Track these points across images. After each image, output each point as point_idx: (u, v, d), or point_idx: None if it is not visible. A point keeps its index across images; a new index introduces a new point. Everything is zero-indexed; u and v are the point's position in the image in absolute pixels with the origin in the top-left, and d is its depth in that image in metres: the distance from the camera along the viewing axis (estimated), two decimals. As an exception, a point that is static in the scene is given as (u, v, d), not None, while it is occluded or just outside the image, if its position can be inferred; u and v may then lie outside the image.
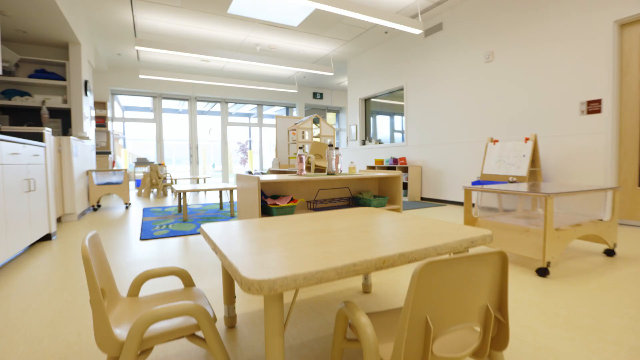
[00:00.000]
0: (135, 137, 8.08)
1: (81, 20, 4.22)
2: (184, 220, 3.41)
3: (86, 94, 4.30)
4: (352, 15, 3.68)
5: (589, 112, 3.17)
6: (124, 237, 2.76)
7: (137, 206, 4.68)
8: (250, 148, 14.93)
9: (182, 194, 3.41)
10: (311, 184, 2.29)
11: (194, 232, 2.87)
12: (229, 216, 3.67)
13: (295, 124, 4.10)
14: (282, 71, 7.32)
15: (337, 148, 2.46)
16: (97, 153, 6.20)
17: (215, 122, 8.36)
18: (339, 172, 2.53)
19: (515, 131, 3.77)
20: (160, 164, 7.19)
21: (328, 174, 2.28)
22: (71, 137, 3.50)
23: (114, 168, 6.89)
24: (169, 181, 5.96)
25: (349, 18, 4.70)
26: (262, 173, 6.55)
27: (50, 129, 2.76)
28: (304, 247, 0.90)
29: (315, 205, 2.26)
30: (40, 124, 4.06)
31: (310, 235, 1.06)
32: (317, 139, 4.12)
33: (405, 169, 4.97)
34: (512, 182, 3.28)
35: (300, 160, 2.31)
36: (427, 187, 4.94)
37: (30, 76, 3.93)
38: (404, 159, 5.02)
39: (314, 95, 8.95)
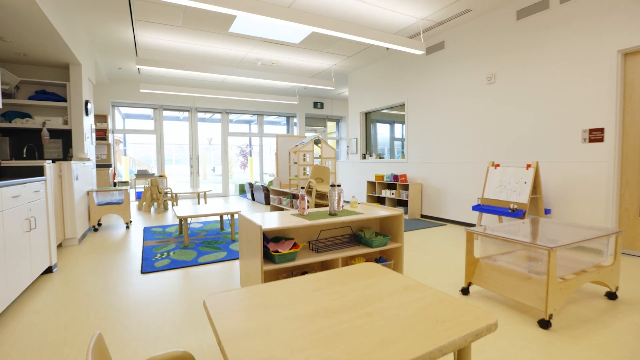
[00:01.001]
0: (135, 140, 8.09)
1: (82, 40, 4.21)
2: (185, 246, 3.41)
3: (87, 114, 4.29)
4: (355, 39, 3.67)
5: (591, 141, 3.16)
6: (125, 269, 2.76)
7: (138, 225, 4.68)
8: (250, 154, 14.89)
9: (183, 220, 3.41)
10: (313, 226, 2.28)
11: (195, 263, 2.87)
12: (230, 240, 3.67)
13: (297, 145, 4.09)
14: (283, 83, 7.30)
15: (339, 185, 2.45)
16: (98, 166, 6.19)
17: (216, 129, 8.35)
18: (341, 207, 2.53)
19: (517, 154, 3.76)
20: (160, 176, 7.19)
21: (330, 214, 2.28)
22: (72, 162, 3.50)
23: (115, 180, 6.89)
24: (169, 195, 5.94)
25: (354, 26, 4.68)
26: (264, 187, 6.55)
27: (50, 161, 2.75)
28: (304, 349, 0.90)
29: (317, 245, 2.26)
30: (40, 145, 4.06)
31: (312, 321, 1.05)
32: (318, 160, 4.12)
33: (405, 187, 4.97)
34: (513, 209, 3.27)
35: (302, 199, 2.30)
36: (427, 204, 4.93)
37: (30, 97, 3.92)
38: (404, 176, 5.02)
39: (315, 104, 8.93)
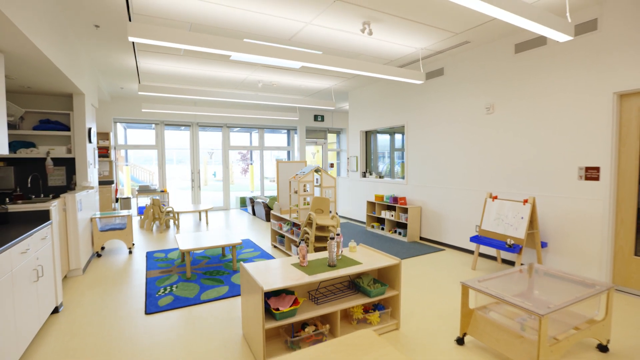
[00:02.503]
0: (136, 142, 8.15)
1: (85, 70, 4.26)
2: (188, 278, 3.48)
3: (90, 141, 4.35)
4: (355, 72, 3.72)
5: (587, 179, 3.21)
6: (129, 307, 2.82)
7: (141, 248, 4.74)
8: (251, 162, 14.90)
9: (185, 254, 3.47)
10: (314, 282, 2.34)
11: (198, 301, 2.93)
12: (231, 270, 3.73)
13: (297, 174, 4.14)
14: (283, 100, 7.35)
15: (338, 234, 2.51)
16: (100, 183, 6.25)
17: (217, 137, 8.39)
18: (340, 253, 2.59)
19: (515, 185, 3.81)
20: (162, 191, 7.25)
21: (329, 265, 2.33)
22: (76, 194, 3.56)
23: (117, 196, 6.95)
24: (171, 215, 6.01)
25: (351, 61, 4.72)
26: (265, 205, 6.60)
27: (56, 204, 2.81)
28: None
29: (317, 296, 2.32)
30: (45, 173, 4.12)
31: None
32: (318, 188, 4.17)
33: (405, 210, 5.02)
34: (510, 245, 3.33)
35: (303, 249, 2.36)
36: (426, 227, 4.99)
37: (35, 127, 3.97)
38: (404, 198, 5.07)
39: (315, 117, 8.98)
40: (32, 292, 2.23)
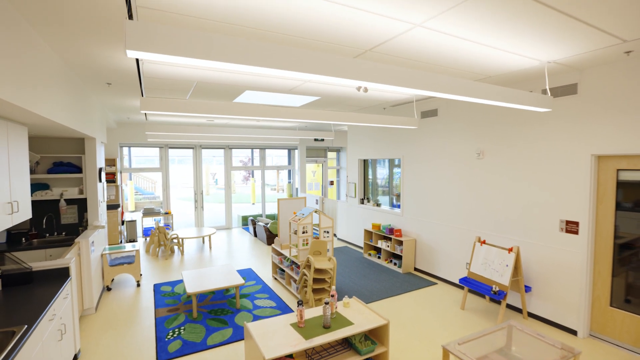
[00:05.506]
0: (140, 155, 8.38)
1: (96, 117, 4.48)
2: (194, 319, 3.72)
3: (100, 180, 4.58)
4: (352, 124, 3.93)
5: (567, 231, 3.43)
6: (142, 354, 3.06)
7: (148, 278, 4.98)
8: (252, 175, 15.11)
9: (193, 297, 3.71)
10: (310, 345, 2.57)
11: (205, 347, 3.17)
12: (235, 309, 3.96)
13: (296, 214, 4.38)
14: (284, 133, 7.56)
15: (332, 295, 2.75)
16: (107, 207, 6.49)
17: (219, 152, 8.62)
18: (335, 309, 2.82)
19: (502, 229, 4.03)
20: (166, 213, 7.49)
21: (324, 327, 2.57)
22: (89, 238, 3.80)
23: (123, 219, 7.19)
24: (175, 241, 6.25)
25: (352, 99, 4.94)
26: (266, 229, 6.83)
27: (73, 258, 3.04)
28: None
29: (313, 356, 2.55)
30: (58, 213, 4.35)
31: None
32: (317, 229, 4.40)
33: (400, 242, 5.25)
34: (495, 291, 3.56)
35: (301, 312, 2.60)
36: (420, 259, 5.22)
37: (49, 170, 4.21)
38: (399, 231, 5.30)
39: (315, 138, 9.19)
40: (56, 350, 2.47)
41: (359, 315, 2.77)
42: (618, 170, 3.15)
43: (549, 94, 3.31)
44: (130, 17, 1.97)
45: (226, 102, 3.08)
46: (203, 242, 6.94)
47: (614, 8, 1.92)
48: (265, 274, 5.21)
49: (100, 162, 4.73)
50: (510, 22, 2.10)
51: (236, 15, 2.01)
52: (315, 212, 4.26)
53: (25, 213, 2.78)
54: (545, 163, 3.59)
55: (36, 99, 2.24)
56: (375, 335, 2.80)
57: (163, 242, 5.97)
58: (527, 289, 3.70)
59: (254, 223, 7.56)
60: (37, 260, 3.60)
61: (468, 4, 1.86)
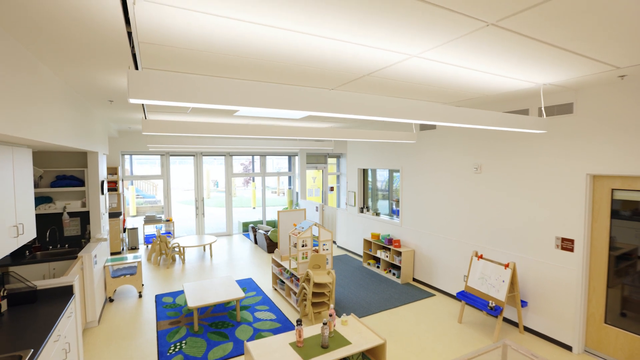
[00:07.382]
0: (142, 163, 8.45)
1: (98, 131, 4.54)
2: (195, 332, 3.77)
3: (102, 193, 4.64)
4: (351, 140, 3.98)
5: (563, 248, 3.48)
6: (144, 371, 3.12)
7: (150, 288, 5.04)
8: (253, 180, 15.15)
9: (194, 310, 3.76)
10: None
11: (205, 363, 3.23)
12: (235, 321, 4.02)
13: (295, 228, 4.43)
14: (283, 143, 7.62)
15: (330, 315, 2.80)
16: (109, 215, 6.55)
17: (220, 159, 8.68)
18: (333, 327, 2.88)
19: (499, 243, 4.08)
20: (168, 220, 7.55)
21: (322, 347, 2.62)
22: (91, 252, 3.85)
23: (125, 226, 7.25)
24: (177, 250, 6.31)
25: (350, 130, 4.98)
26: (267, 237, 6.88)
27: (77, 276, 3.10)
28: None
29: (312, 375, 2.60)
30: (61, 226, 4.41)
31: None
32: (316, 241, 4.45)
33: (399, 253, 5.30)
34: (491, 307, 3.61)
35: (300, 331, 2.65)
36: (419, 269, 5.27)
37: (52, 184, 4.27)
38: (398, 241, 5.35)
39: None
40: (60, 371, 2.53)
41: (356, 334, 2.82)
42: (613, 189, 3.20)
43: (544, 114, 3.36)
44: (133, 50, 2.02)
45: (225, 123, 3.14)
46: (204, 250, 6.99)
47: (606, 41, 1.96)
48: (266, 283, 5.27)
49: (102, 175, 4.79)
50: (507, 54, 2.15)
51: (237, 50, 2.06)
52: (315, 225, 4.31)
53: (30, 234, 2.84)
54: (542, 180, 3.63)
55: (41, 129, 2.30)
56: (373, 354, 2.85)
57: (164, 250, 6.03)
58: (524, 303, 3.75)
59: (254, 230, 7.61)
60: (41, 274, 3.65)
61: (463, 39, 1.90)
